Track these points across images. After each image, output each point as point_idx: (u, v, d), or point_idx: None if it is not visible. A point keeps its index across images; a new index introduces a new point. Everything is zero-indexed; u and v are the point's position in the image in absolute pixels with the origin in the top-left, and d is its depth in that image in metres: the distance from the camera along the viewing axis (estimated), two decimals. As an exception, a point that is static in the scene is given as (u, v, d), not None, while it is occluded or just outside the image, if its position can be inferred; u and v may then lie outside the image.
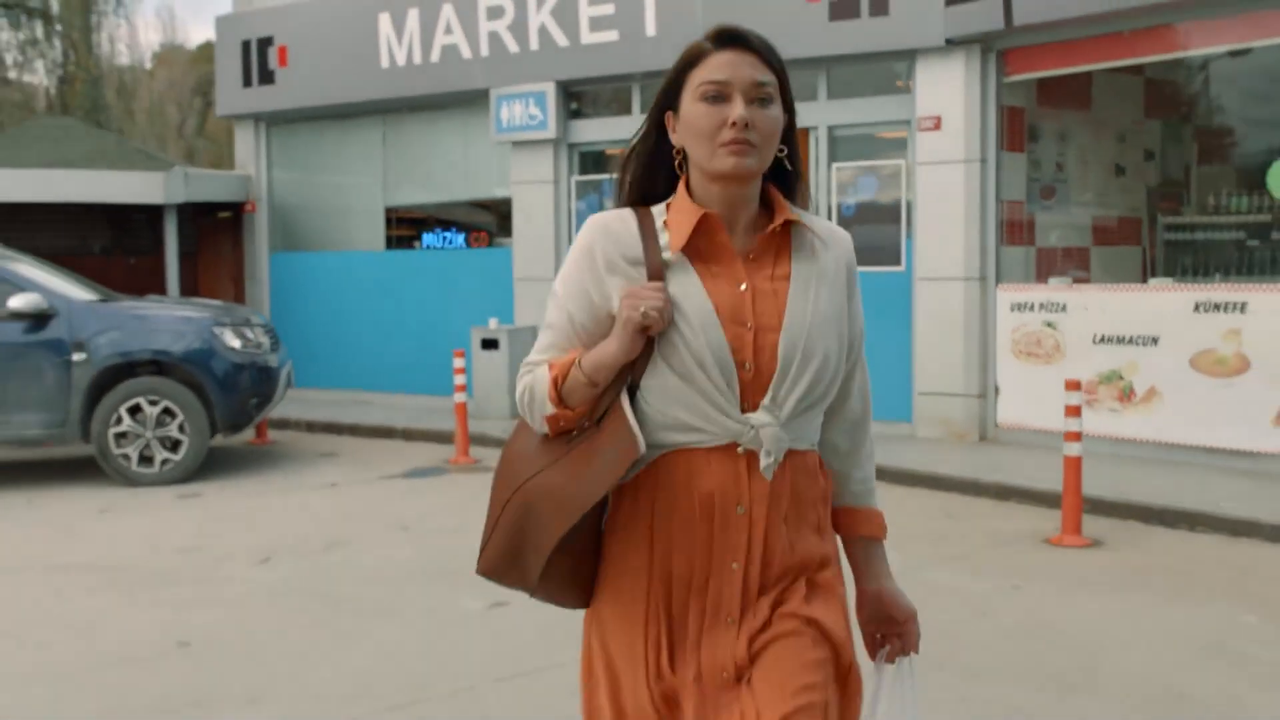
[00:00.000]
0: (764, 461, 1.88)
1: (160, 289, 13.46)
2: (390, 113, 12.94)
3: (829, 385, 1.97)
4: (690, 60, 1.96)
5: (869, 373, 2.14)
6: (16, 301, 8.54)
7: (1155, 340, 8.40)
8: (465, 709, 4.32)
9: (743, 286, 1.93)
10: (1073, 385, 6.79)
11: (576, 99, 11.75)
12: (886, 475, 8.03)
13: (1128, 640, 5.02)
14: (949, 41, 9.20)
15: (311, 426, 11.52)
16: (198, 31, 59.73)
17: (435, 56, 12.03)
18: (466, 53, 11.82)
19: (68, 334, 8.67)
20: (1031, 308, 9.10)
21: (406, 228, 13.22)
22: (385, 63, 12.36)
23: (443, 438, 10.39)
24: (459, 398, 9.58)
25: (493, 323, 11.60)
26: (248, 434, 10.62)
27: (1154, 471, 8.02)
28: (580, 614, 2.09)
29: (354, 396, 12.96)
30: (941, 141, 9.42)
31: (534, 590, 2.01)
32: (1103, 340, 8.68)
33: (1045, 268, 9.77)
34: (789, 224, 1.98)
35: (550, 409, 1.95)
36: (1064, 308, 8.90)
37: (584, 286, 1.97)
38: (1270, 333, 7.86)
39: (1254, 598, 5.60)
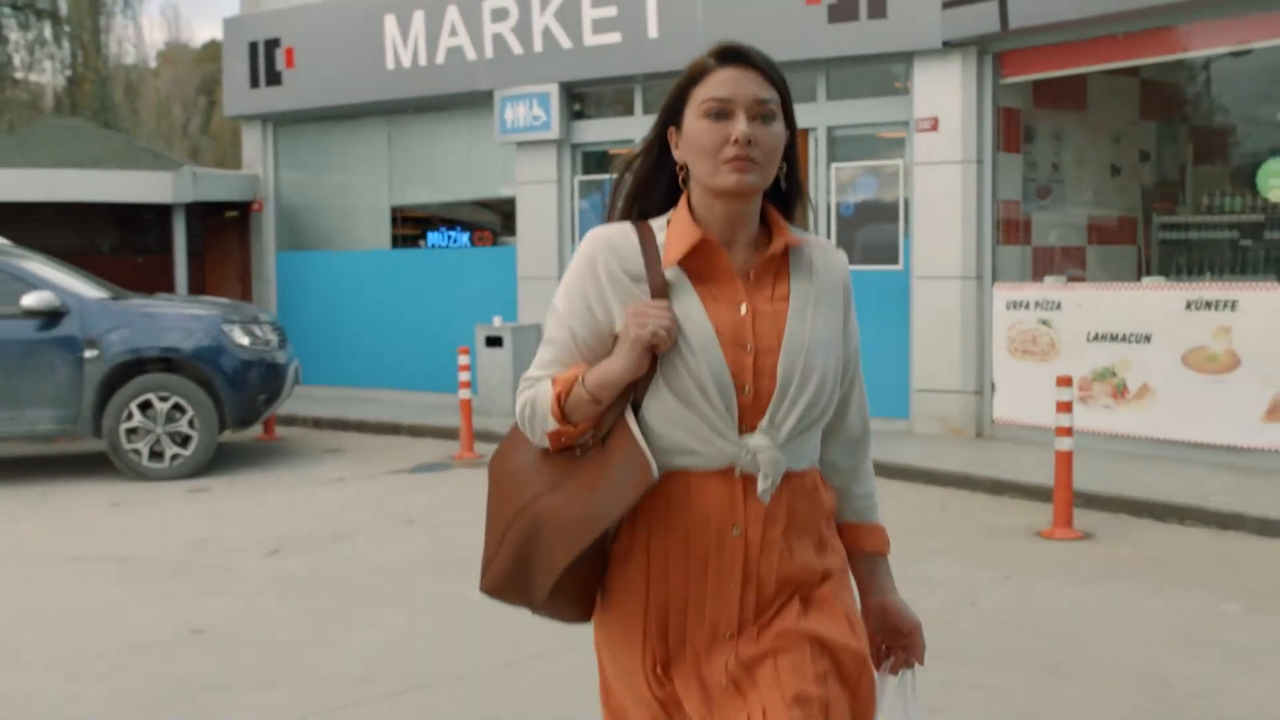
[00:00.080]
0: (761, 485, 1.89)
1: (168, 287, 13.63)
2: (396, 113, 13.10)
3: (826, 406, 1.98)
4: (693, 77, 1.97)
5: (867, 372, 2.17)
6: (30, 299, 8.70)
7: (1148, 338, 8.55)
8: (469, 692, 4.48)
9: (743, 309, 1.94)
10: (1064, 381, 6.93)
11: (579, 100, 11.90)
12: (884, 471, 8.17)
13: (1113, 628, 5.16)
14: (946, 44, 9.35)
15: (318, 423, 11.69)
16: (202, 30, 60.00)
17: (440, 58, 12.18)
18: (471, 54, 11.97)
19: (80, 331, 8.83)
20: (1027, 306, 9.24)
21: (412, 227, 13.38)
22: (391, 64, 12.51)
23: (448, 434, 10.55)
24: (464, 394, 9.74)
25: (497, 321, 11.75)
26: (256, 430, 10.80)
27: (1146, 466, 8.17)
28: None
29: (360, 393, 13.12)
30: (939, 142, 9.56)
31: (538, 609, 2.03)
32: (1097, 338, 8.83)
33: (1041, 267, 9.92)
34: (787, 246, 1.99)
35: (553, 425, 1.94)
36: (1059, 306, 9.05)
37: (586, 300, 1.96)
38: (1260, 330, 8.01)
39: (1238, 587, 5.75)
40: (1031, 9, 8.77)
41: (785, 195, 2.04)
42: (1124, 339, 8.67)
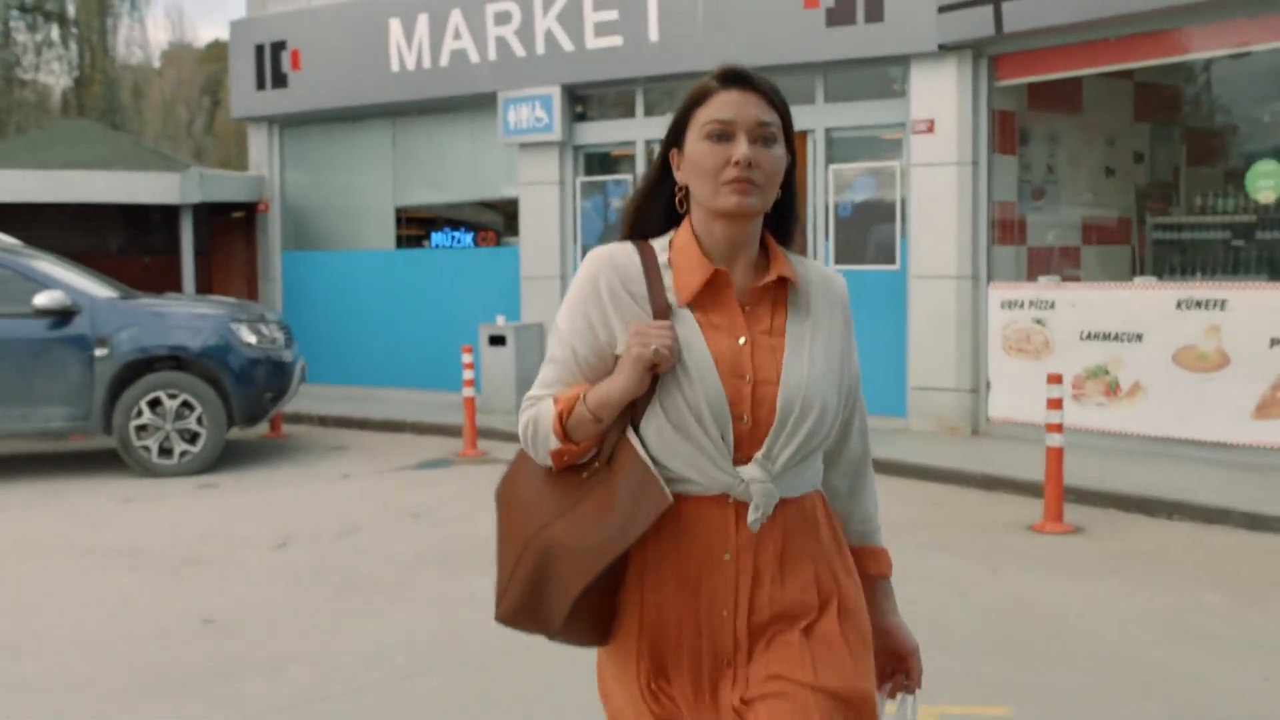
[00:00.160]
0: (751, 516, 1.89)
1: (175, 287, 13.77)
2: (400, 115, 13.26)
3: (826, 436, 1.99)
4: (696, 99, 1.98)
5: (865, 370, 2.19)
6: (42, 299, 8.86)
7: (1140, 337, 8.69)
8: (472, 678, 4.63)
9: (742, 340, 1.94)
10: (1054, 379, 7.08)
11: (581, 102, 12.05)
12: (880, 468, 8.19)
13: (1098, 618, 5.31)
14: (942, 47, 9.50)
15: (324, 421, 11.84)
16: (206, 30, 60.15)
17: (444, 61, 12.34)
18: (474, 57, 12.13)
19: (91, 330, 8.99)
20: (1021, 305, 9.39)
21: (416, 227, 13.54)
22: (395, 67, 12.67)
23: (451, 431, 10.71)
24: (467, 393, 9.90)
25: (500, 320, 11.91)
26: (262, 428, 10.96)
27: (1137, 463, 8.31)
28: None
29: (365, 392, 13.27)
30: (935, 144, 9.71)
31: (555, 636, 2.03)
32: (1090, 337, 8.98)
33: (1036, 267, 10.06)
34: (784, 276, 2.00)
35: (555, 444, 1.95)
36: (1052, 305, 9.20)
37: (588, 319, 1.97)
38: (1249, 329, 8.15)
39: (1221, 579, 5.89)
40: (1025, 13, 8.91)
41: (782, 220, 2.06)
42: (1116, 338, 8.82)
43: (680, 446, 1.91)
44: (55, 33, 24.50)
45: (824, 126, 10.29)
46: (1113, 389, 8.86)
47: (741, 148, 1.91)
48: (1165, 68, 10.42)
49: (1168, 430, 8.56)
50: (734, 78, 1.97)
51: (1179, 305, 8.48)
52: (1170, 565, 6.19)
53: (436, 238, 13.30)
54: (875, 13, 9.70)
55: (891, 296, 10.05)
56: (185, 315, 9.42)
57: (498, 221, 13.05)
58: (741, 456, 1.91)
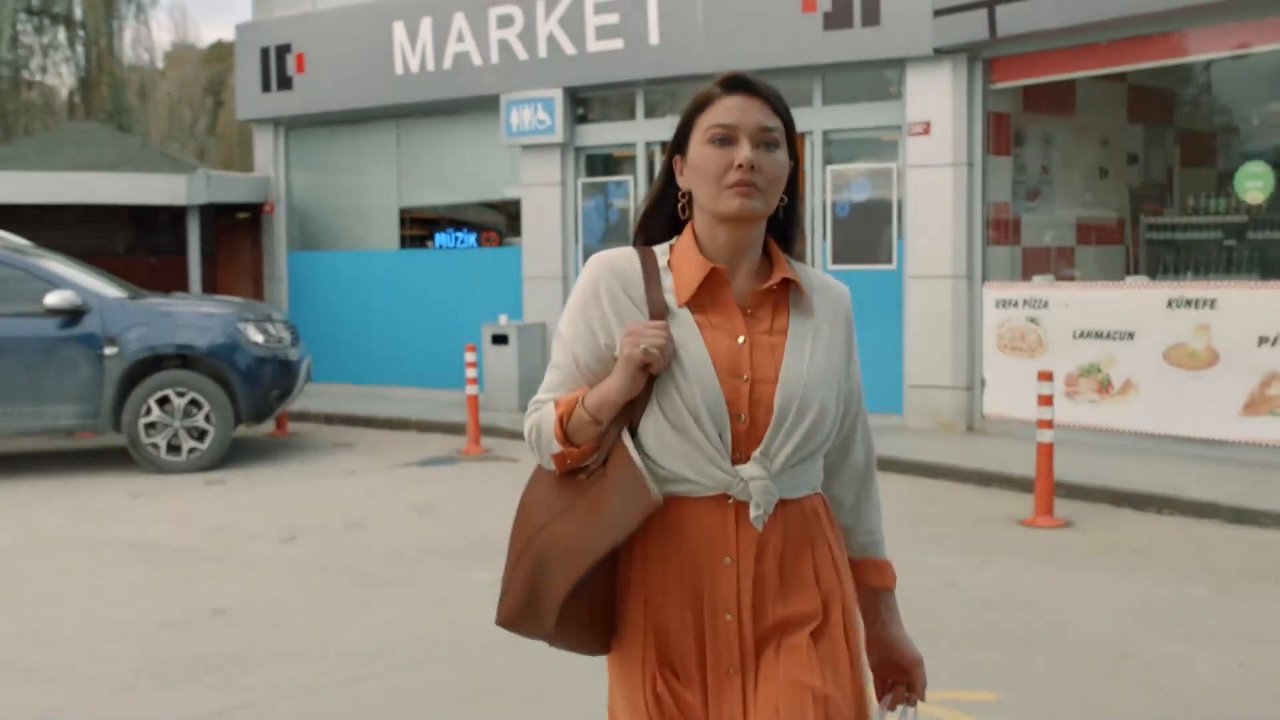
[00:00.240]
0: (753, 514, 1.89)
1: (181, 287, 13.94)
2: (404, 117, 13.42)
3: (824, 439, 1.99)
4: (699, 105, 1.99)
5: (863, 368, 2.18)
6: (53, 298, 9.01)
7: (1131, 335, 8.84)
8: (475, 665, 4.79)
9: (740, 339, 1.95)
10: (1045, 376, 7.23)
11: (583, 104, 12.21)
12: (879, 464, 8.42)
13: (1084, 607, 5.46)
14: (937, 51, 9.65)
15: (329, 419, 12.00)
16: (209, 31, 60.30)
17: (448, 63, 12.49)
18: (478, 60, 12.28)
19: (100, 329, 9.14)
20: (1016, 304, 9.53)
21: (420, 228, 13.70)
22: (400, 69, 12.82)
23: (455, 429, 10.86)
24: (470, 391, 10.05)
25: (502, 319, 12.07)
26: (268, 426, 11.12)
27: (1128, 459, 8.46)
28: None
29: (369, 390, 13.43)
30: (931, 146, 9.86)
31: (553, 640, 2.03)
32: (1083, 335, 9.12)
33: (1030, 267, 10.20)
34: (787, 280, 2.01)
35: (557, 446, 1.97)
36: (1046, 304, 9.34)
37: (589, 324, 1.99)
38: (1238, 327, 8.29)
39: (1206, 571, 6.04)
40: (1019, 17, 9.06)
41: (784, 227, 2.07)
42: (1108, 336, 8.96)
43: (678, 445, 1.91)
44: (62, 35, 24.69)
45: (822, 128, 10.45)
46: (1105, 386, 9.00)
47: (744, 151, 1.92)
48: (1158, 70, 10.55)
49: (1158, 427, 8.71)
50: (737, 83, 1.98)
51: (1170, 304, 8.62)
52: (1157, 558, 6.33)
53: (440, 238, 13.47)
54: (872, 17, 9.85)
55: (888, 296, 10.19)
56: (193, 315, 9.57)
57: (500, 222, 13.21)
58: (740, 456, 1.91)
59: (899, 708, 2.13)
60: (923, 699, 2.14)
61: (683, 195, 2.02)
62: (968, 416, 9.93)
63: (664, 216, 2.07)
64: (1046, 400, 7.13)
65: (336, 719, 4.30)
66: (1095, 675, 4.59)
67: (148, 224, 15.42)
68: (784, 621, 1.94)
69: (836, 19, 10.02)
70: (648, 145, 11.60)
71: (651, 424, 1.92)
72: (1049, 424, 7.08)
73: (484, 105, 12.49)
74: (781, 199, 2.00)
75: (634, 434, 1.94)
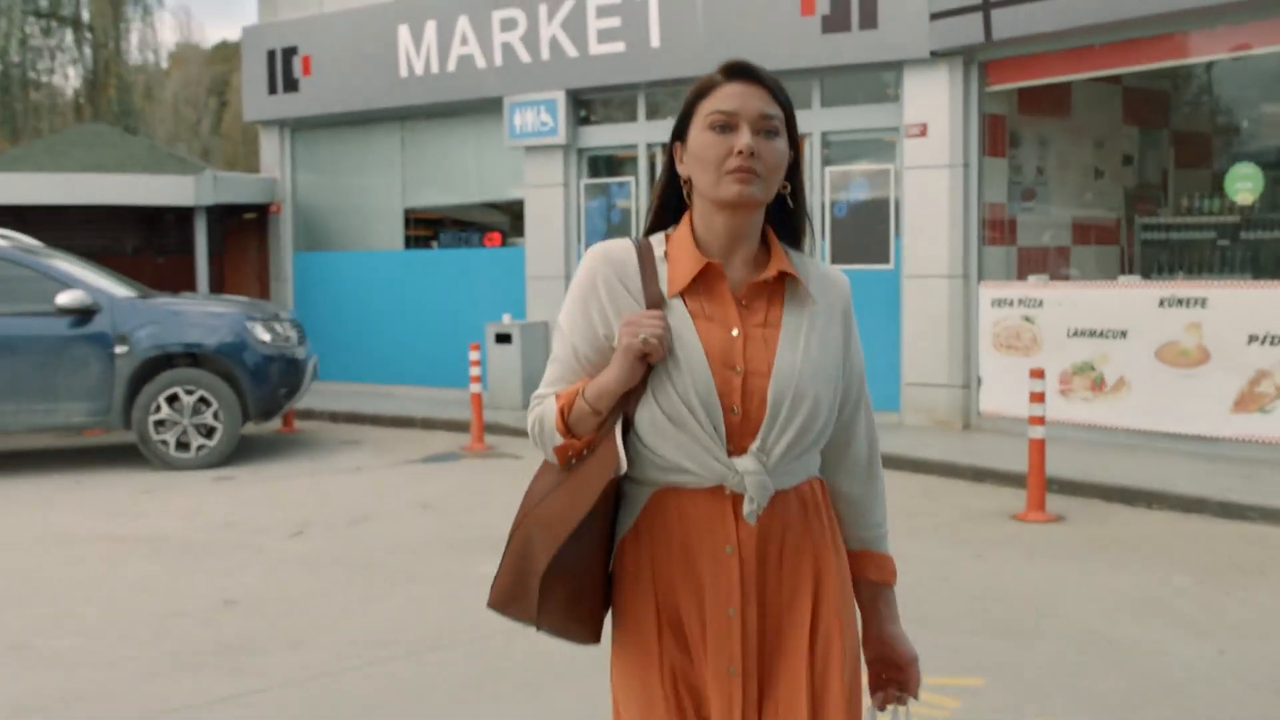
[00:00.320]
0: (747, 508, 1.89)
1: (188, 287, 14.09)
2: (409, 119, 13.58)
3: (820, 432, 1.98)
4: (700, 92, 1.98)
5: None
6: (64, 298, 9.17)
7: (1124, 333, 8.98)
8: (480, 652, 4.94)
9: (734, 332, 1.94)
10: (1037, 373, 7.38)
11: (585, 106, 12.36)
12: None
13: (1072, 598, 5.61)
14: (934, 53, 9.79)
15: (335, 417, 12.16)
16: (213, 31, 60.48)
17: (452, 66, 12.64)
18: (481, 62, 12.43)
19: (111, 328, 9.30)
20: (1011, 303, 9.68)
21: (424, 228, 13.86)
22: (404, 72, 12.97)
23: (459, 426, 11.02)
24: (474, 389, 10.20)
25: (506, 318, 12.21)
26: (276, 423, 11.28)
27: (1121, 455, 8.61)
28: None
29: (375, 389, 13.59)
30: (927, 147, 10.01)
31: (539, 623, 2.03)
32: (1077, 334, 9.27)
33: (1025, 266, 10.35)
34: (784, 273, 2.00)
35: (559, 439, 1.97)
36: (1041, 303, 9.49)
37: (588, 316, 1.99)
38: (1229, 326, 8.44)
39: (1192, 564, 6.19)
40: (1014, 21, 9.20)
41: (791, 218, 2.07)
42: (1102, 334, 9.11)
43: (674, 435, 1.91)
44: (69, 37, 24.86)
45: (820, 130, 10.61)
46: (1098, 384, 9.15)
47: (744, 138, 1.91)
48: (1153, 73, 10.69)
49: (1150, 424, 8.86)
50: (738, 71, 1.97)
51: (1162, 303, 8.77)
52: (1146, 551, 6.48)
53: (444, 238, 13.62)
54: (869, 20, 10.00)
55: (886, 295, 10.34)
56: (202, 314, 9.73)
57: (504, 222, 13.36)
58: (735, 448, 1.91)
59: (890, 707, 2.13)
60: (915, 697, 2.13)
61: (685, 183, 2.02)
62: (964, 414, 10.08)
63: (674, 206, 2.07)
64: (1039, 398, 7.28)
65: (346, 702, 4.46)
66: (1080, 663, 4.75)
67: (155, 224, 15.57)
68: (785, 619, 1.96)
69: (835, 22, 10.17)
70: (649, 147, 11.75)
71: (647, 414, 1.93)
72: (1041, 420, 7.23)
73: (487, 107, 12.64)
74: (784, 185, 2.00)
75: (630, 424, 1.94)
